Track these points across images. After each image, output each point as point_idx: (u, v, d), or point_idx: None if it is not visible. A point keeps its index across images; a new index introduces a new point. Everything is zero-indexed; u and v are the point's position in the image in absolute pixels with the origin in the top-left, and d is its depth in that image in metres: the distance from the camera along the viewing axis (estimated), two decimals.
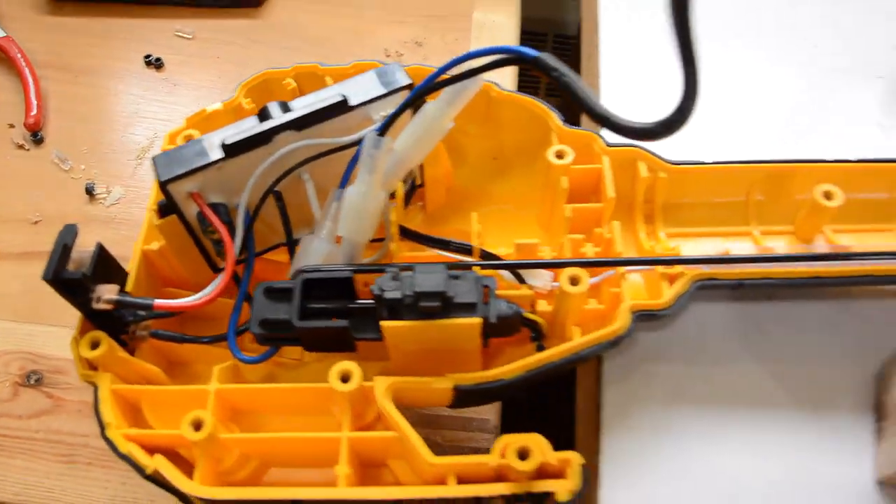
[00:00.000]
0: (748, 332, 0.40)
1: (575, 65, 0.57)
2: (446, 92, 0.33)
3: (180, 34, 0.61)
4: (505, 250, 0.40)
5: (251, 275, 0.37)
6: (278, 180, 0.36)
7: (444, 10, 0.63)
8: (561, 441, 0.40)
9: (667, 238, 0.39)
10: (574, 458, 0.31)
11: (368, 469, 0.36)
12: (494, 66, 0.31)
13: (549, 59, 0.30)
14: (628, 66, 0.51)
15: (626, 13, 0.54)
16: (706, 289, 0.36)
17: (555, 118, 0.40)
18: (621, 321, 0.34)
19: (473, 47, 0.61)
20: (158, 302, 0.35)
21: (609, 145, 0.39)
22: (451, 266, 0.33)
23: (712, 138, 0.47)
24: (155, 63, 0.60)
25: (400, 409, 0.33)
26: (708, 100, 0.48)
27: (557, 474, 0.31)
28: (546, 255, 0.39)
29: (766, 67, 0.51)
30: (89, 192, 0.53)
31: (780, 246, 0.39)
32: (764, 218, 0.39)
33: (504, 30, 0.62)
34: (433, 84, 0.33)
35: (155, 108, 0.58)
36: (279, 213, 0.38)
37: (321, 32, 0.62)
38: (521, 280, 0.37)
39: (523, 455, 0.31)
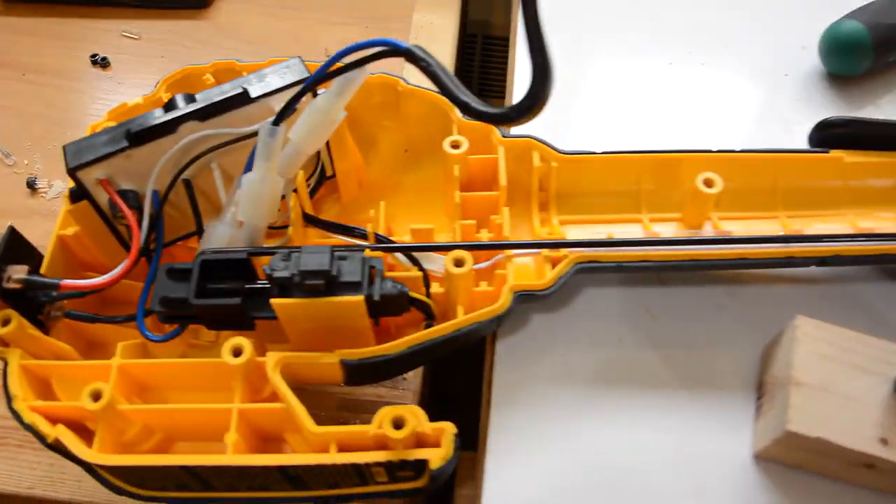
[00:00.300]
0: (638, 316, 0.41)
1: None
2: (334, 84, 0.35)
3: (127, 34, 0.63)
4: (416, 225, 0.42)
5: (160, 258, 0.39)
6: (184, 168, 0.38)
7: (385, 12, 0.65)
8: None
9: (559, 225, 0.41)
10: (447, 428, 0.33)
11: (268, 442, 0.38)
12: (374, 59, 0.33)
13: (418, 50, 0.32)
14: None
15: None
16: (587, 271, 0.37)
17: (455, 111, 0.42)
18: (502, 300, 0.36)
19: None
20: (66, 282, 0.37)
21: (504, 136, 0.41)
22: (341, 248, 0.35)
23: (623, 134, 0.49)
24: (101, 62, 0.61)
25: (298, 387, 0.35)
26: (619, 98, 0.51)
27: (434, 444, 0.33)
28: (442, 239, 0.41)
29: (678, 65, 0.53)
30: (31, 186, 0.55)
31: (669, 232, 0.40)
32: (654, 206, 0.41)
33: (443, 31, 0.64)
34: (321, 76, 0.35)
35: (99, 105, 0.60)
36: (189, 201, 0.40)
37: (264, 33, 0.64)
38: (417, 263, 0.39)
39: (399, 424, 0.33)
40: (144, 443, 0.37)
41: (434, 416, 0.33)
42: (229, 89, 0.38)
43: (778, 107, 0.50)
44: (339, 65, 0.35)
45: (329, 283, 0.34)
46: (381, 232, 0.42)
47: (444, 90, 0.31)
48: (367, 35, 0.63)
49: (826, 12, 0.51)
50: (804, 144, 0.46)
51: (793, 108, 0.50)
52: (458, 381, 0.71)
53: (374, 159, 0.46)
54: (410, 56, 0.32)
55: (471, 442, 0.41)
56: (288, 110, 0.36)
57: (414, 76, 0.50)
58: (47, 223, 0.54)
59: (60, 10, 0.64)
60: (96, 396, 0.34)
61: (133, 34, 0.64)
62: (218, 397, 0.37)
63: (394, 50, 0.33)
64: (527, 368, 0.40)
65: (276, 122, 0.36)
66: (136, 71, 0.62)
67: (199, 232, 0.40)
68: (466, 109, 0.31)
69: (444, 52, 0.63)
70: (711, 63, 0.53)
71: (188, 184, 0.40)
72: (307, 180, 0.44)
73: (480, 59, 1.01)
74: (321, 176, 0.44)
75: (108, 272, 0.41)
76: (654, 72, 0.53)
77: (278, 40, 0.63)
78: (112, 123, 0.43)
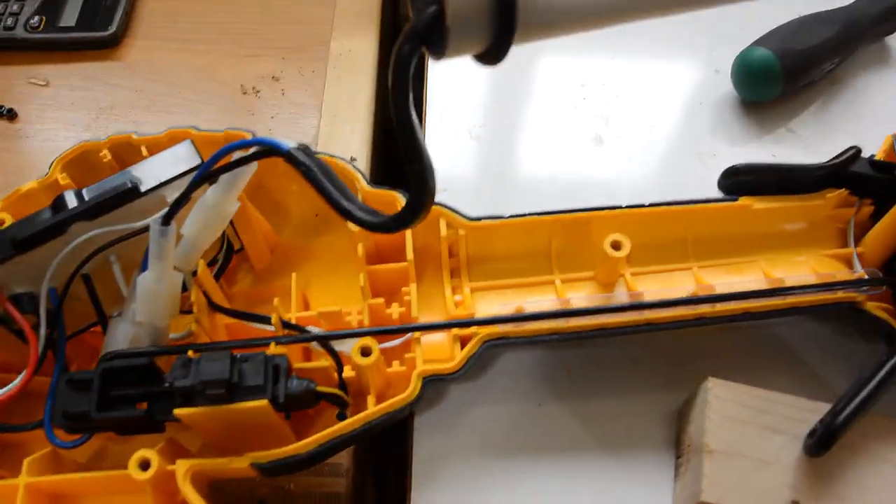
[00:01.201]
0: (556, 376, 0.41)
1: None
2: (221, 180, 0.34)
3: (33, 81, 0.61)
4: (325, 308, 0.41)
5: (63, 361, 0.38)
6: (79, 267, 0.37)
7: (300, 42, 0.63)
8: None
9: (471, 293, 0.40)
10: None
11: None
12: (254, 158, 0.32)
13: (299, 153, 0.31)
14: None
15: None
16: (497, 347, 0.37)
17: (360, 180, 0.41)
18: (412, 388, 0.36)
19: (331, 78, 0.61)
20: None
21: None
22: (246, 342, 0.35)
23: (536, 183, 0.49)
24: (7, 114, 0.59)
25: None
26: (530, 142, 0.50)
27: None
28: (353, 318, 0.40)
29: (592, 99, 0.52)
30: None
31: (582, 295, 0.40)
32: (566, 266, 0.41)
33: (362, 58, 0.62)
34: (204, 176, 0.33)
35: (10, 160, 0.58)
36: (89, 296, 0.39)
37: (178, 71, 0.62)
38: (329, 349, 0.38)
39: None
40: None
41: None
42: (118, 185, 0.36)
43: (694, 138, 0.50)
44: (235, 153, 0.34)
45: (231, 390, 0.33)
46: (296, 302, 0.41)
47: (327, 197, 0.30)
48: (284, 67, 0.62)
49: (737, 34, 0.50)
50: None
51: (710, 137, 0.49)
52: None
53: (285, 225, 0.45)
54: (290, 159, 0.31)
55: None
56: (176, 209, 0.34)
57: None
58: None
59: None
60: None
61: (40, 81, 0.61)
62: (135, 499, 0.36)
63: (274, 150, 0.32)
64: (446, 441, 0.40)
65: (166, 222, 0.35)
66: (45, 121, 0.59)
67: (101, 323, 0.39)
68: (350, 217, 0.30)
69: (365, 80, 0.61)
70: (625, 95, 0.52)
71: (87, 278, 0.38)
72: (216, 256, 0.43)
73: None
74: (229, 250, 0.43)
75: (20, 370, 0.40)
76: (564, 109, 0.51)
77: (193, 78, 0.61)
78: (2, 213, 0.42)
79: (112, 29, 0.62)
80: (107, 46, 0.62)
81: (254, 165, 0.34)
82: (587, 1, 0.22)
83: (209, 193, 0.35)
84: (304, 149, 0.32)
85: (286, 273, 0.44)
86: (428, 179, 0.28)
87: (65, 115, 0.60)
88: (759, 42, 0.48)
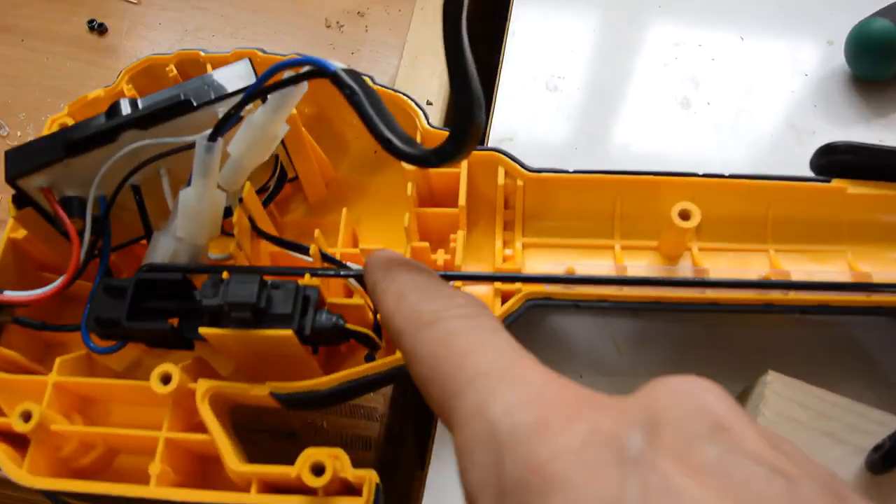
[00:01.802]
0: (604, 349, 0.38)
1: None
2: (270, 100, 0.33)
3: None
4: (376, 245, 0.40)
5: (107, 267, 0.38)
6: (128, 177, 0.37)
7: None
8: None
9: (522, 249, 0.38)
10: (370, 477, 0.31)
11: (207, 462, 0.37)
12: (300, 79, 0.31)
13: (345, 75, 0.29)
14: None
15: None
16: (542, 307, 0.35)
17: (421, 118, 0.39)
18: None
19: (416, 20, 0.59)
20: (3, 295, 0.36)
21: None
22: (281, 269, 0.34)
23: (612, 140, 0.45)
24: (98, 29, 0.60)
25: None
26: (612, 96, 0.46)
27: (359, 491, 0.32)
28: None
29: (684, 59, 0.48)
30: None
31: (642, 264, 0.37)
32: (629, 232, 0.38)
33: None
34: (252, 95, 0.32)
35: (96, 74, 0.58)
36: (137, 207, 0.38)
37: (265, 0, 0.61)
38: (364, 285, 0.37)
39: (319, 470, 0.31)
40: (83, 457, 0.36)
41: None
42: (172, 96, 0.36)
43: (792, 112, 0.45)
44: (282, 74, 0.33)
45: (257, 315, 0.32)
46: (344, 237, 0.40)
47: (368, 122, 0.28)
48: (370, 4, 0.60)
49: (858, 2, 0.45)
50: None
51: (811, 113, 0.45)
52: None
53: (343, 159, 0.44)
54: (336, 80, 0.29)
55: None
56: (223, 125, 0.33)
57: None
58: None
59: None
60: (26, 417, 0.34)
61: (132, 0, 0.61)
62: (156, 412, 0.36)
63: (321, 71, 0.30)
64: None
65: (213, 138, 0.34)
66: (132, 38, 0.60)
67: (147, 236, 0.39)
68: (388, 146, 0.28)
69: None
70: (722, 58, 0.47)
71: (136, 189, 0.38)
72: (267, 182, 0.42)
73: None
74: (281, 177, 0.42)
75: (63, 271, 0.41)
76: (653, 66, 0.48)
77: (279, 7, 0.61)
78: (68, 117, 0.42)
79: None
80: None
81: (303, 87, 0.33)
82: None
83: (258, 113, 0.34)
84: (353, 72, 0.30)
85: (339, 208, 0.42)
86: (474, 112, 0.26)
87: (151, 34, 0.60)
88: (882, 13, 0.43)
